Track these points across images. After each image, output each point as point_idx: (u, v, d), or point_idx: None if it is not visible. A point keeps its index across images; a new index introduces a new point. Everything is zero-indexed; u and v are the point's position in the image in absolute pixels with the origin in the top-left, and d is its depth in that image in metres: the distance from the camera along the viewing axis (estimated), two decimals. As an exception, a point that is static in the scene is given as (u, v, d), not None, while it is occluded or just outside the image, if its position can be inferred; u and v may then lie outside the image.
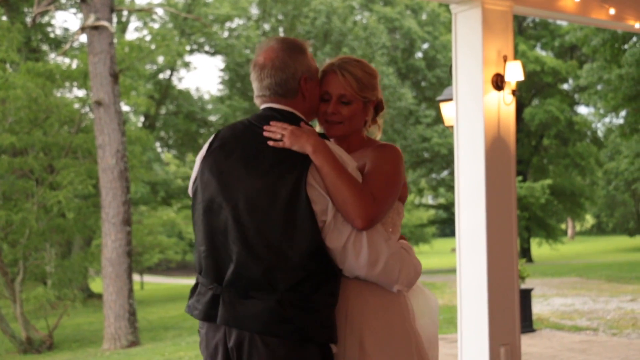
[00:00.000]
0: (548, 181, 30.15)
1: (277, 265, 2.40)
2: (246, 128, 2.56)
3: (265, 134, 2.49)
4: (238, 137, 2.55)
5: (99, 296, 21.08)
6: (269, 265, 2.40)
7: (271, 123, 2.51)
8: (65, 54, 19.40)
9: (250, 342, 2.42)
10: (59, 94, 17.65)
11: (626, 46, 21.88)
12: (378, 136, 2.82)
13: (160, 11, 28.37)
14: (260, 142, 2.49)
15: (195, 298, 2.57)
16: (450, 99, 7.22)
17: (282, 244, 2.40)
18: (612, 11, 6.44)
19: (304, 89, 2.57)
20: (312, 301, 2.41)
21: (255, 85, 2.60)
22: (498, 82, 5.86)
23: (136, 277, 27.30)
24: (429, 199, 43.88)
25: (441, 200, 38.70)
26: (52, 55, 25.06)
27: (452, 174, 31.07)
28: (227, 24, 29.87)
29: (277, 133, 2.47)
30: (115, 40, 14.14)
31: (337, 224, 2.42)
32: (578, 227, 60.44)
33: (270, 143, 2.47)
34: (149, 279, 31.97)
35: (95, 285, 24.55)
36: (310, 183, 2.41)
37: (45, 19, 24.64)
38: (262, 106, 2.60)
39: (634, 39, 21.67)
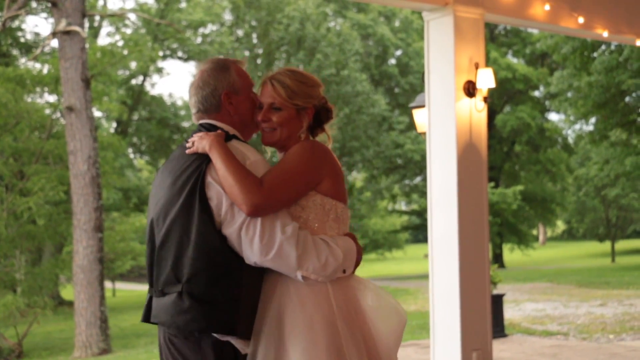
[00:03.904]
0: (519, 187, 30.41)
1: (180, 261, 2.61)
2: (182, 145, 2.81)
3: (187, 144, 2.74)
4: (175, 153, 2.81)
5: (70, 303, 20.83)
6: (174, 261, 2.62)
7: (193, 135, 2.76)
8: (36, 59, 19.18)
9: (170, 335, 2.65)
10: (29, 99, 17.44)
11: (595, 54, 22.21)
12: (329, 144, 2.93)
13: (132, 16, 28.19)
14: (183, 154, 2.74)
15: None
16: (423, 106, 7.27)
17: (183, 240, 2.60)
18: (581, 20, 6.54)
19: (226, 104, 2.78)
20: (210, 294, 2.56)
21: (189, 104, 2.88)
22: (470, 89, 5.91)
23: (108, 284, 27.05)
24: (402, 205, 44.06)
25: (414, 206, 38.89)
26: (23, 60, 24.77)
27: (425, 180, 31.25)
28: (201, 30, 29.78)
29: (192, 141, 2.72)
30: (87, 46, 14.01)
31: (233, 213, 2.58)
32: (549, 233, 60.99)
33: (186, 151, 2.72)
34: (121, 285, 31.68)
35: (66, 293, 24.25)
36: (208, 181, 2.61)
37: (16, 23, 24.36)
38: (197, 123, 2.86)
39: (603, 47, 21.99)
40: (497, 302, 10.27)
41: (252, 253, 2.55)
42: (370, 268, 39.23)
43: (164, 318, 2.63)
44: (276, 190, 2.57)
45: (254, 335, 2.62)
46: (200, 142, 2.67)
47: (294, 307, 2.60)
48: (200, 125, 2.80)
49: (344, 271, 2.68)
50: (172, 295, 2.61)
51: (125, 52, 18.76)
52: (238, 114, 2.80)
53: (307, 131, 2.83)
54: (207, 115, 2.80)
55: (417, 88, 30.23)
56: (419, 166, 30.45)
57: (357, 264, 2.77)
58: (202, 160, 2.64)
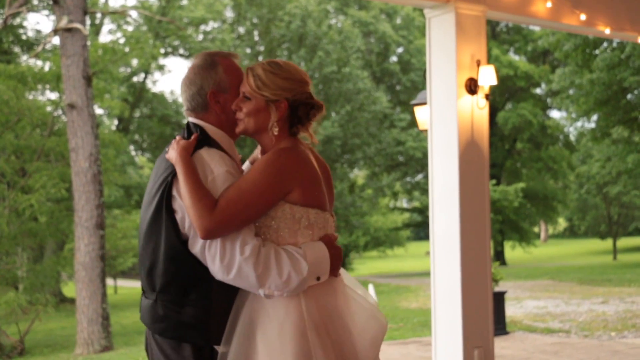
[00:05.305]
0: (521, 184, 30.41)
1: (152, 269, 2.66)
2: (168, 146, 2.79)
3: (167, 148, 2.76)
4: (162, 153, 2.80)
5: (72, 301, 20.87)
6: (148, 268, 2.68)
7: (177, 137, 2.75)
8: (37, 56, 19.20)
9: (151, 336, 2.70)
10: (31, 97, 17.44)
11: (597, 51, 22.18)
12: (312, 143, 2.79)
13: (134, 14, 28.20)
14: (164, 157, 2.74)
15: None
16: (425, 103, 7.27)
17: (156, 250, 2.64)
18: (582, 17, 6.53)
19: (212, 103, 2.73)
20: (181, 303, 2.60)
21: None
22: (471, 86, 5.91)
23: (109, 281, 27.08)
24: (403, 203, 44.06)
25: (416, 204, 38.88)
26: (24, 58, 24.77)
27: (426, 177, 31.24)
28: (202, 27, 29.77)
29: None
30: (88, 43, 14.00)
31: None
32: (551, 230, 61.00)
33: (166, 156, 2.72)
34: (122, 283, 31.73)
35: (68, 290, 24.29)
36: (173, 194, 2.62)
37: (17, 20, 24.36)
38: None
39: (605, 44, 21.97)
40: (499, 299, 10.28)
41: (215, 271, 2.55)
42: (371, 265, 39.27)
43: (144, 320, 2.71)
44: (230, 214, 2.51)
45: (226, 337, 2.60)
46: (171, 151, 2.65)
47: (266, 314, 2.58)
48: (187, 124, 2.78)
49: (318, 278, 2.61)
50: (149, 300, 2.69)
51: (127, 49, 18.74)
52: (225, 112, 2.74)
53: (279, 126, 2.69)
54: (194, 113, 2.77)
55: (419, 85, 30.22)
56: (421, 163, 30.44)
57: (335, 267, 2.68)
58: (170, 172, 2.63)
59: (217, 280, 2.57)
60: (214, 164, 2.61)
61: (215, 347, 2.63)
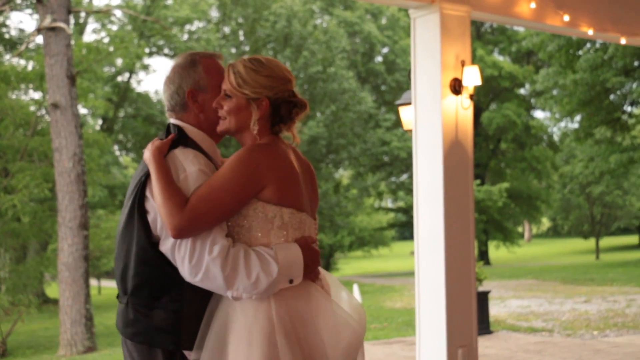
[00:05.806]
0: (505, 184, 30.57)
1: (126, 273, 2.60)
2: None
3: None
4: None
5: (55, 301, 20.74)
6: (121, 271, 2.63)
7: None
8: (20, 55, 19.06)
9: (123, 341, 2.65)
10: (14, 96, 17.33)
11: (580, 52, 22.32)
12: (295, 143, 2.73)
13: (118, 13, 28.07)
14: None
15: None
16: (409, 103, 7.28)
17: (128, 252, 2.59)
18: (566, 18, 6.57)
19: (190, 102, 2.68)
20: (152, 306, 2.54)
21: None
22: (456, 87, 5.92)
23: (93, 282, 26.93)
24: (388, 203, 44.14)
25: (400, 204, 38.97)
26: (7, 57, 24.60)
27: (411, 177, 31.31)
28: (187, 27, 29.68)
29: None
30: (72, 42, 13.93)
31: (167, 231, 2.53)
32: (535, 230, 61.33)
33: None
34: (106, 283, 31.55)
35: (51, 291, 24.14)
36: (146, 194, 2.56)
37: (0, 19, 24.19)
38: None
39: (588, 45, 22.11)
40: (483, 299, 10.32)
41: (184, 273, 2.48)
42: (356, 265, 39.33)
43: (117, 324, 2.65)
44: (201, 212, 2.44)
45: (198, 342, 2.53)
46: (146, 152, 2.59)
47: (236, 317, 2.50)
48: (168, 125, 2.72)
49: (291, 281, 2.51)
50: (121, 304, 2.63)
51: (111, 48, 18.66)
52: (204, 112, 2.68)
53: (261, 125, 2.61)
54: (174, 113, 2.72)
55: (404, 85, 30.28)
56: (405, 163, 30.51)
57: (310, 270, 2.58)
58: (144, 172, 2.58)
59: (189, 284, 2.50)
60: (186, 162, 2.55)
61: (186, 353, 2.56)
